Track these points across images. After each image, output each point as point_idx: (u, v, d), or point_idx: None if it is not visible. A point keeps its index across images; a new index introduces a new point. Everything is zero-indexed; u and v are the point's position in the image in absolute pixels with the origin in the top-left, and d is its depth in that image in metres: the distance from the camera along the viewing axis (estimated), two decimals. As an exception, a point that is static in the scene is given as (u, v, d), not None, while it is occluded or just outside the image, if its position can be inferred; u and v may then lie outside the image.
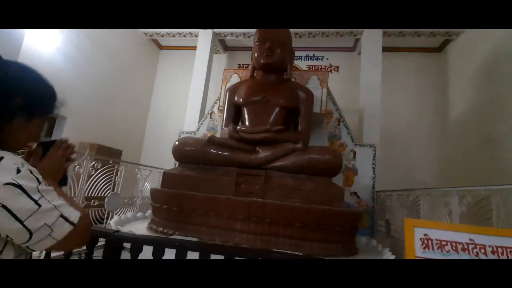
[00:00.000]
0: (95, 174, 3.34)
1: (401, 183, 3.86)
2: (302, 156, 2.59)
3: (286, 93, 3.13)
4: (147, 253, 1.30)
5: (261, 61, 3.19)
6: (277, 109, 3.06)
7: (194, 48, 5.40)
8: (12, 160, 0.58)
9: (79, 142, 4.06)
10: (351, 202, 3.72)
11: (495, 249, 0.84)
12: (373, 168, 3.83)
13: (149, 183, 4.08)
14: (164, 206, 2.55)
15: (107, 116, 5.10)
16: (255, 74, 3.42)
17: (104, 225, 3.34)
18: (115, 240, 1.35)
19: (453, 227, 0.95)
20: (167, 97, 6.36)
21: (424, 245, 0.92)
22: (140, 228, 2.69)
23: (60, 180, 0.79)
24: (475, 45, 4.33)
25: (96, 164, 3.31)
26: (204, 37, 5.31)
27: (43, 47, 3.78)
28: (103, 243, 1.35)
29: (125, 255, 1.34)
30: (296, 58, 4.10)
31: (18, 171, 0.57)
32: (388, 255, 2.34)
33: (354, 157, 3.89)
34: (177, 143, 2.90)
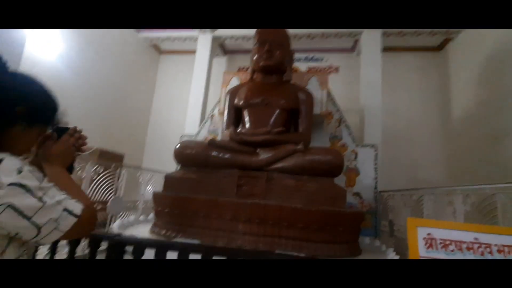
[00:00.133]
0: (97, 179, 3.34)
1: (404, 183, 3.84)
2: (304, 157, 2.59)
3: (286, 95, 3.13)
4: (149, 256, 1.29)
5: (261, 63, 3.20)
6: (277, 111, 3.06)
7: (193, 52, 5.41)
8: (11, 161, 0.61)
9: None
10: (354, 202, 3.71)
11: (501, 248, 0.82)
12: (375, 168, 3.81)
13: (151, 186, 4.08)
14: (166, 210, 2.55)
15: (109, 120, 5.12)
16: (254, 77, 3.42)
17: (106, 229, 3.34)
18: (117, 244, 1.34)
19: (457, 226, 0.94)
20: (168, 101, 6.37)
21: (427, 244, 0.91)
22: (143, 231, 2.69)
23: (67, 168, 0.82)
24: (475, 43, 4.32)
25: (98, 168, 3.32)
26: (203, 40, 5.33)
27: (45, 54, 3.80)
28: (106, 246, 1.35)
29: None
30: (295, 60, 4.08)
31: (19, 171, 0.60)
32: (392, 255, 2.32)
33: (356, 157, 3.88)
34: (178, 146, 2.90)
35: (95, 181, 3.31)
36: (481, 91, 4.15)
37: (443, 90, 5.15)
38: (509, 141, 3.44)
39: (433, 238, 0.91)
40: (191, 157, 2.81)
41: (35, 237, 0.61)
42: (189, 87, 5.24)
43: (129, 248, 1.34)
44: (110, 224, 3.29)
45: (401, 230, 2.87)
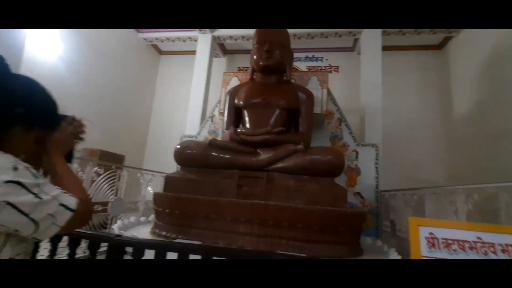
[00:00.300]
0: (98, 180, 3.34)
1: (405, 182, 3.82)
2: (304, 157, 2.58)
3: (286, 95, 3.12)
4: (149, 257, 1.29)
5: (260, 63, 3.19)
6: (277, 111, 3.05)
7: (193, 52, 5.41)
8: (6, 159, 0.62)
9: (82, 149, 4.07)
10: (355, 202, 3.69)
11: (505, 248, 0.81)
12: (376, 167, 3.80)
13: (152, 187, 4.08)
14: (166, 210, 2.54)
15: (110, 121, 5.12)
16: (254, 77, 3.41)
17: (107, 230, 3.33)
18: (117, 245, 1.34)
19: (459, 225, 0.92)
20: (168, 102, 6.37)
21: (430, 244, 0.90)
22: (144, 232, 2.68)
23: (66, 156, 0.83)
24: (476, 41, 4.30)
25: (98, 169, 3.31)
26: (203, 41, 5.33)
27: (45, 55, 3.80)
28: (106, 248, 1.34)
29: (127, 260, 1.33)
30: (295, 59, 4.08)
31: (15, 168, 0.61)
32: (395, 256, 2.30)
33: (357, 157, 3.86)
34: (178, 146, 2.90)
35: (95, 182, 3.31)
36: (482, 90, 4.13)
37: (444, 88, 5.13)
38: (510, 140, 3.42)
39: (436, 238, 0.90)
40: (191, 157, 2.80)
41: (33, 233, 0.62)
42: (189, 88, 5.24)
43: (130, 249, 1.33)
44: (110, 225, 3.29)
45: (403, 230, 2.86)
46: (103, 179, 3.40)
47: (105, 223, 3.44)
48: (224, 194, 2.51)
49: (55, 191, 0.66)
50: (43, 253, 1.90)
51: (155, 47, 6.40)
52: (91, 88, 4.66)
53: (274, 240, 2.26)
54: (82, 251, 2.19)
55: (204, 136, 4.35)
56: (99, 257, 1.41)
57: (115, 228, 2.74)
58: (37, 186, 0.63)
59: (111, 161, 3.87)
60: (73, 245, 1.42)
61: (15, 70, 0.73)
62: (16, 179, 0.59)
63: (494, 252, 0.81)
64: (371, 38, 4.67)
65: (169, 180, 2.79)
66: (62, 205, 0.66)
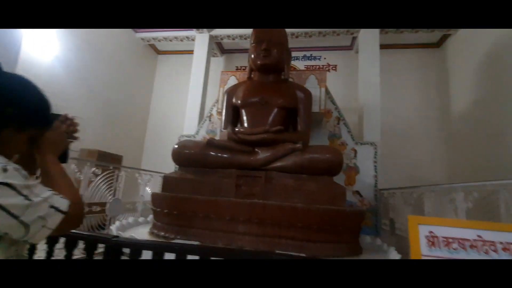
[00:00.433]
0: (96, 180, 3.32)
1: (404, 181, 3.82)
2: (302, 156, 2.57)
3: (284, 94, 3.11)
4: (148, 258, 1.27)
5: (258, 62, 3.18)
6: (275, 110, 3.03)
7: (191, 52, 5.39)
8: None
9: (80, 149, 4.05)
10: (354, 201, 3.69)
11: (506, 246, 0.80)
12: (375, 166, 3.80)
13: (150, 187, 4.06)
14: (165, 210, 2.53)
15: (107, 122, 5.09)
16: (252, 76, 3.40)
17: (106, 231, 3.32)
18: (115, 246, 1.32)
19: (459, 224, 0.91)
20: (166, 101, 6.35)
21: (430, 242, 0.89)
22: (142, 233, 2.66)
23: (60, 156, 0.81)
24: (474, 39, 4.30)
25: (96, 170, 3.30)
26: (201, 40, 5.31)
27: (42, 55, 3.77)
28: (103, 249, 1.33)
29: (125, 262, 1.32)
30: (293, 58, 4.07)
31: (4, 170, 0.59)
32: (394, 254, 2.30)
33: (355, 155, 3.86)
34: (176, 146, 2.88)
35: (93, 183, 3.29)
36: (480, 88, 4.13)
37: (442, 86, 5.13)
38: (509, 138, 3.43)
39: (436, 236, 0.89)
40: (190, 157, 2.79)
41: (24, 235, 0.60)
42: (187, 87, 5.22)
43: (127, 251, 1.32)
44: (109, 226, 3.27)
45: (402, 229, 2.85)
46: (101, 179, 3.39)
47: (103, 223, 3.42)
48: (223, 194, 2.50)
49: (46, 192, 0.65)
50: (40, 254, 1.88)
51: (153, 46, 6.37)
52: (88, 88, 4.63)
53: (273, 239, 2.25)
54: (80, 252, 2.17)
55: (202, 135, 4.34)
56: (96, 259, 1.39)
57: (113, 229, 2.72)
58: (27, 187, 0.61)
59: (109, 161, 3.85)
60: (70, 246, 1.40)
61: (11, 70, 0.72)
62: (5, 180, 0.57)
63: (495, 251, 0.80)
64: (369, 37, 4.66)
65: (167, 180, 2.77)
66: (53, 207, 0.64)
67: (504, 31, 3.63)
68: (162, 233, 2.49)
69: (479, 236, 0.84)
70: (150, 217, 3.25)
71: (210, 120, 4.41)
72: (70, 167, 3.04)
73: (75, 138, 0.87)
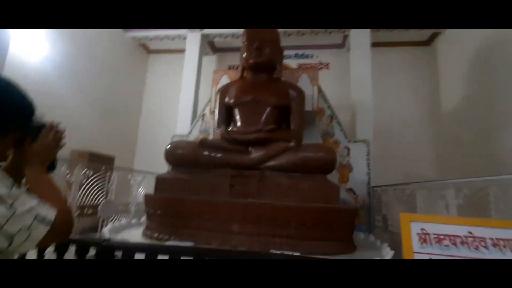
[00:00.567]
0: (87, 182, 3.27)
1: (397, 178, 3.87)
2: (296, 155, 2.57)
3: (277, 92, 3.11)
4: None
5: (250, 61, 3.16)
6: (268, 109, 3.03)
7: (183, 50, 5.34)
8: None
9: (70, 151, 3.98)
10: (348, 198, 3.71)
11: (496, 242, 0.81)
12: (368, 163, 3.83)
13: (143, 188, 4.02)
14: (158, 212, 2.51)
15: (99, 122, 5.01)
16: (245, 75, 3.39)
17: (98, 233, 3.27)
18: (106, 249, 1.30)
19: (450, 220, 0.92)
20: (158, 101, 6.28)
21: (421, 240, 0.90)
22: (135, 235, 2.64)
23: (48, 165, 0.79)
24: (463, 38, 4.37)
25: (88, 171, 3.25)
26: (192, 39, 5.27)
27: (30, 56, 3.68)
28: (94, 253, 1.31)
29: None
30: (285, 57, 4.05)
31: None
32: (387, 251, 2.32)
33: (348, 153, 3.88)
34: (169, 146, 2.86)
35: (85, 185, 3.24)
36: (470, 85, 4.20)
37: (433, 84, 5.20)
38: (499, 135, 3.49)
39: (427, 233, 0.90)
40: (182, 157, 2.76)
41: (8, 246, 0.57)
42: (179, 87, 5.18)
43: (119, 254, 1.30)
44: (101, 228, 3.23)
45: (395, 225, 2.88)
46: (93, 181, 3.34)
47: (96, 226, 3.37)
48: (216, 194, 2.49)
49: (31, 202, 0.62)
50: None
51: (143, 45, 6.29)
52: (78, 88, 4.54)
53: (268, 238, 2.25)
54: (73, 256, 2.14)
55: (195, 135, 4.31)
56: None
57: (106, 231, 2.69)
58: (12, 197, 0.58)
59: (100, 162, 3.80)
60: (61, 250, 1.38)
61: None
62: None
63: (485, 247, 0.81)
64: (360, 35, 4.69)
65: (160, 181, 2.75)
66: (39, 217, 0.61)
67: (491, 30, 3.69)
68: (156, 235, 2.46)
69: (470, 232, 0.85)
70: (143, 218, 3.21)
71: (203, 120, 4.39)
72: (60, 169, 2.98)
73: (62, 146, 0.85)
